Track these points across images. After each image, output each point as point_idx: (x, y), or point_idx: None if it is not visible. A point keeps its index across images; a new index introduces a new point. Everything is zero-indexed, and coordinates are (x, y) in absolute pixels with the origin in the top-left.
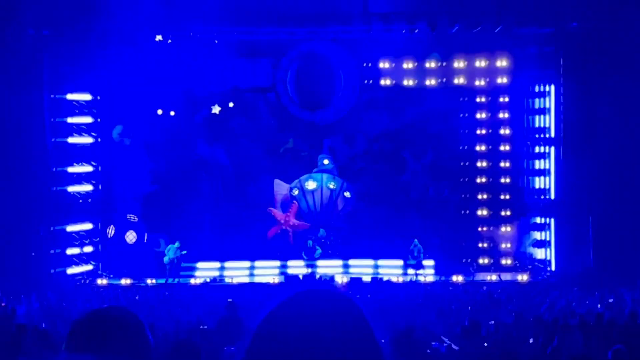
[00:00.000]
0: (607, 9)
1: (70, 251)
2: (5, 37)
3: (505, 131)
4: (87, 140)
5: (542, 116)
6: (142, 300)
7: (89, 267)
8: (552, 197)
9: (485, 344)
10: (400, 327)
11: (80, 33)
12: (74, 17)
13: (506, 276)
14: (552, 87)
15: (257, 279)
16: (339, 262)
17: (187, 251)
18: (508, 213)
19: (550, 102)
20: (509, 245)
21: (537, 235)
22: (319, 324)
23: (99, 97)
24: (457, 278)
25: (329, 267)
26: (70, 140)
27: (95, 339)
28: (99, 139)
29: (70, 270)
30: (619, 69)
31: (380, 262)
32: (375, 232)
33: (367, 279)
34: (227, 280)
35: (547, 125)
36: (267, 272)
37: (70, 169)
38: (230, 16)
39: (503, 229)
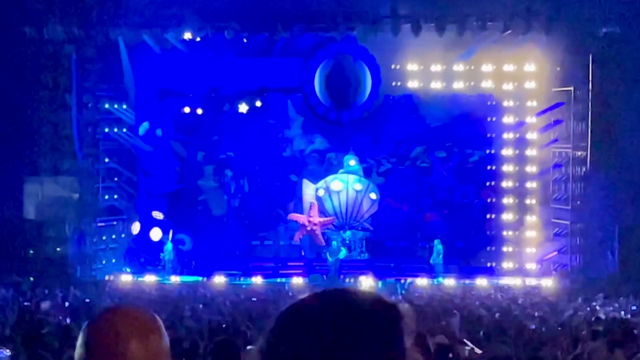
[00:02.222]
0: (638, 15)
1: (96, 247)
2: (35, 34)
3: (532, 136)
4: (114, 136)
5: (569, 122)
6: (166, 297)
7: (113, 264)
8: (579, 202)
9: (509, 349)
10: (421, 330)
11: (109, 30)
12: (102, 14)
13: (531, 281)
14: (580, 92)
15: (281, 278)
16: (363, 263)
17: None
18: (534, 218)
19: (578, 108)
20: (534, 250)
21: (563, 240)
22: (341, 319)
23: (127, 95)
24: (482, 282)
25: (354, 268)
26: (99, 136)
27: (111, 339)
28: (127, 136)
29: (95, 266)
30: None
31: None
32: (401, 234)
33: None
34: (252, 279)
35: (574, 131)
36: (292, 271)
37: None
38: (260, 16)
39: (528, 233)
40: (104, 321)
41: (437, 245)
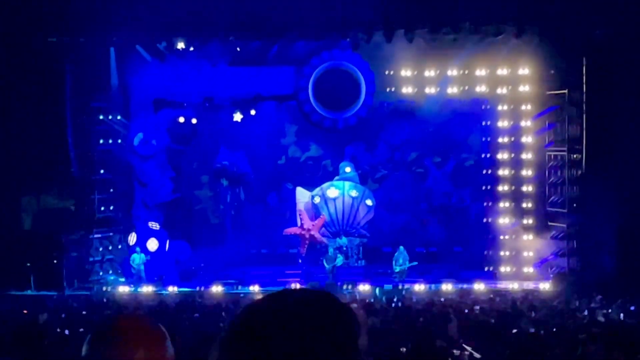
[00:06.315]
0: (631, 17)
1: (92, 259)
2: (27, 45)
3: (527, 139)
4: (109, 147)
5: (564, 125)
6: (163, 308)
7: (110, 275)
8: (575, 205)
9: (508, 353)
10: (421, 335)
11: (101, 41)
12: (95, 24)
13: (529, 285)
14: (575, 95)
15: (279, 287)
16: (360, 270)
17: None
18: (530, 221)
19: (573, 111)
20: (531, 253)
21: (560, 243)
22: (298, 320)
23: (121, 106)
24: (480, 286)
25: (351, 275)
26: (93, 147)
27: (116, 348)
28: (121, 146)
29: (92, 278)
30: None
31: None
32: (397, 240)
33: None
34: (249, 287)
35: (569, 133)
36: (289, 279)
37: (94, 177)
38: (253, 24)
39: (525, 237)
40: (111, 330)
41: (403, 252)
